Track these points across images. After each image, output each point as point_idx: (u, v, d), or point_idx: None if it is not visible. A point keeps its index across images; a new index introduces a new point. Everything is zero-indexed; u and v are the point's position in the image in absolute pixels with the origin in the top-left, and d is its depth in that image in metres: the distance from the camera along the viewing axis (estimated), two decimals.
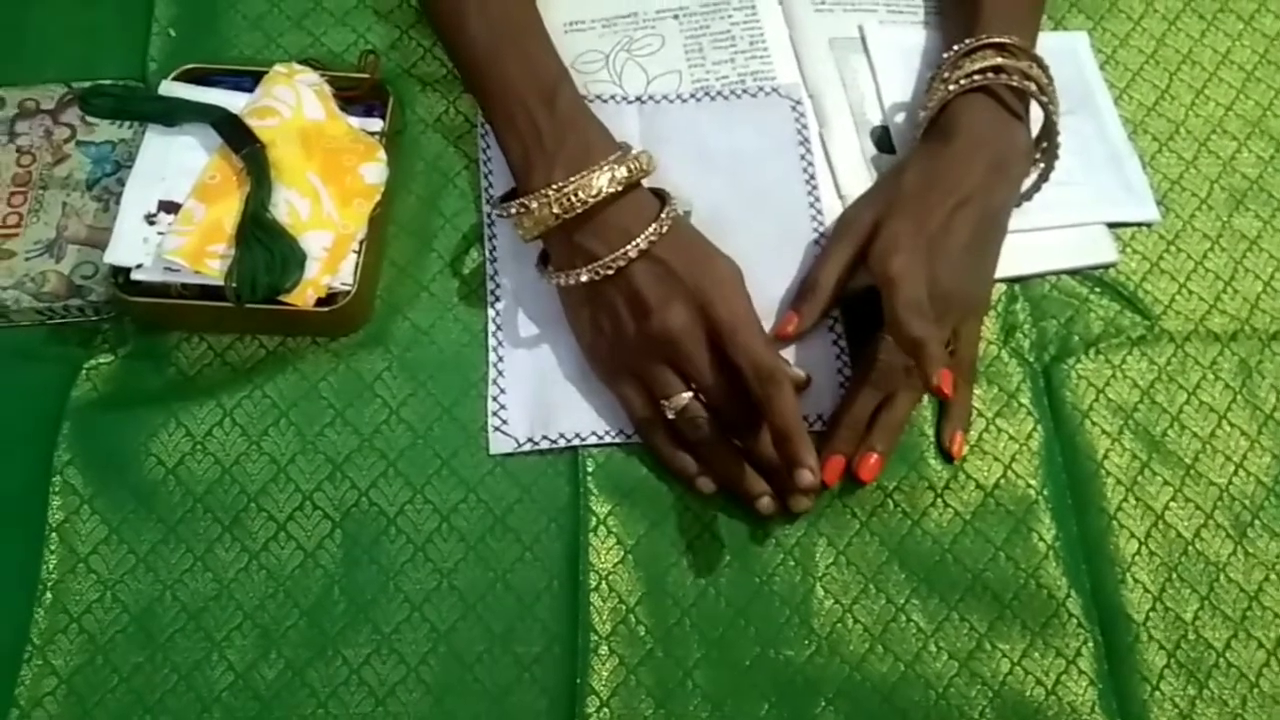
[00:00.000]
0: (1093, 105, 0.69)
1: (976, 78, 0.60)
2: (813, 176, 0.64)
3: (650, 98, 0.66)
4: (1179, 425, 0.61)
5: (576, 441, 0.57)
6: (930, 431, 0.59)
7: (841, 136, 0.66)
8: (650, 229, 0.55)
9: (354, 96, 0.63)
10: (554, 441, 0.57)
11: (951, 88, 0.60)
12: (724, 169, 0.64)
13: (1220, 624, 0.56)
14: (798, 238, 0.62)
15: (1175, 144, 0.69)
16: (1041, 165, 0.62)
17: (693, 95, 0.66)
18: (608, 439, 0.57)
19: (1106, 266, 0.65)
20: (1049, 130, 0.61)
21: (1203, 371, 0.62)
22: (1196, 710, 0.54)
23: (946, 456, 0.58)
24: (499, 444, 0.57)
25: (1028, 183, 0.63)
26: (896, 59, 0.68)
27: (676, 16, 0.69)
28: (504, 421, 0.58)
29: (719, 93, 0.66)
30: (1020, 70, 0.60)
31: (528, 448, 0.57)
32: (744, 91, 0.67)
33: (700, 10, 0.70)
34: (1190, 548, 0.58)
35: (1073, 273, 0.64)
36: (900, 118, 0.67)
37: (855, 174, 0.65)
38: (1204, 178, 0.68)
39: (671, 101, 0.66)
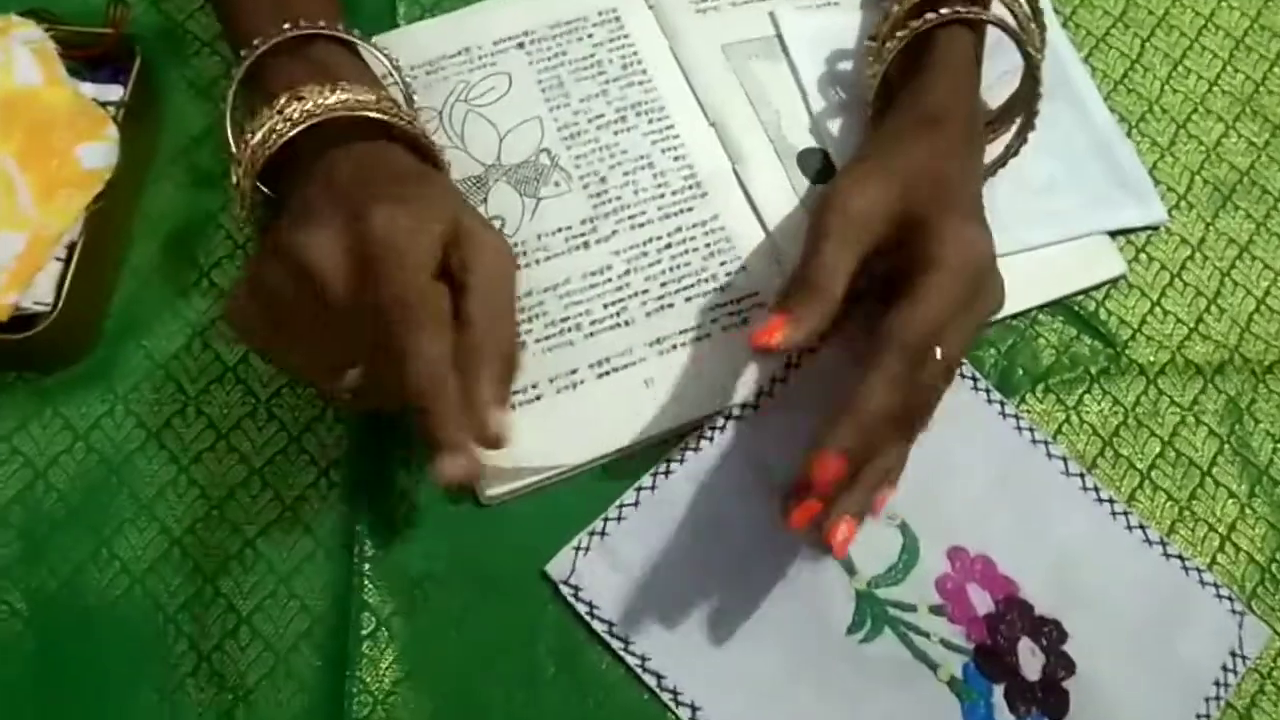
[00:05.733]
0: (1068, 86, 0.55)
1: (960, 9, 0.46)
2: None
3: None
4: (1151, 485, 0.48)
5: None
6: None
7: (761, 171, 0.51)
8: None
9: (94, 55, 0.49)
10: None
11: (929, 15, 0.46)
12: None
13: None
14: None
15: (1148, 126, 0.56)
16: (1016, 124, 0.49)
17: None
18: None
19: (1115, 281, 0.51)
20: (1030, 77, 0.47)
21: (1181, 415, 0.49)
22: None
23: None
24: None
25: (998, 146, 0.50)
26: (822, 54, 0.54)
27: (521, 45, 0.53)
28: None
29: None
30: None
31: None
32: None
33: (550, 34, 0.53)
34: None
35: (1078, 295, 0.51)
36: (838, 131, 0.52)
37: (786, 214, 0.50)
38: (1183, 168, 0.55)
39: None
